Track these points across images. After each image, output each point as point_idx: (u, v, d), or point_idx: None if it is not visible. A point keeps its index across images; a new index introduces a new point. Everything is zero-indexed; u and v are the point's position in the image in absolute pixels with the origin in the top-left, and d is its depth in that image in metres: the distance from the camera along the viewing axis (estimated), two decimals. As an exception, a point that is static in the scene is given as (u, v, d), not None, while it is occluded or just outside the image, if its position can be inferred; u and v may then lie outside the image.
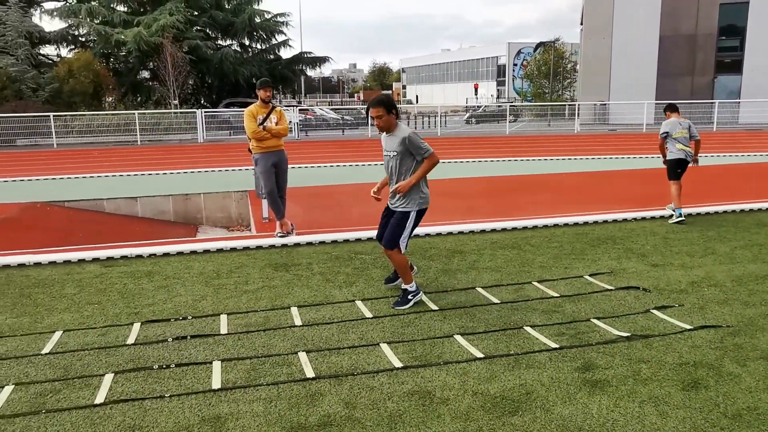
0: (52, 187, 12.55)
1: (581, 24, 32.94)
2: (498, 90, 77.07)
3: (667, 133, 8.19)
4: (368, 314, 4.82)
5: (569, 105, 31.86)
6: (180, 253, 6.83)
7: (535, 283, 5.54)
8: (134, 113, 23.53)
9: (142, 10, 33.38)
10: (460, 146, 20.03)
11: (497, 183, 12.15)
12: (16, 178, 13.80)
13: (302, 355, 4.05)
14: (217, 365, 3.92)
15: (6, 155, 19.30)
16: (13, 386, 3.69)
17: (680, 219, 8.00)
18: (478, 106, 40.65)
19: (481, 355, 4.01)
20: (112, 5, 32.34)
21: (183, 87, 27.84)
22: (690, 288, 5.37)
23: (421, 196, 4.95)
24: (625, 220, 8.18)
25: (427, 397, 3.46)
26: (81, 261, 6.57)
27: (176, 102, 27.47)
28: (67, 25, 32.28)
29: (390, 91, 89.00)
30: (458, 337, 4.31)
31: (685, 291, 5.29)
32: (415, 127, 30.20)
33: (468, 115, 35.63)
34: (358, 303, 5.08)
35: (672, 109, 8.44)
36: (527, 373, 3.75)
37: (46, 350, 4.23)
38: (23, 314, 4.97)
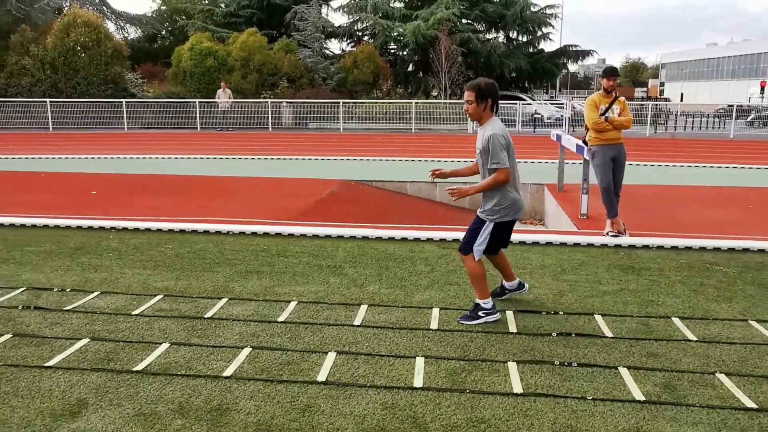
0: (346, 167, 13.56)
1: None
2: (782, 89, 65.92)
3: None
4: (776, 339, 4.11)
5: None
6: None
7: None
8: (411, 102, 24.74)
9: (419, 3, 34.98)
10: (759, 150, 17.36)
11: None
12: (311, 157, 15.17)
13: (722, 377, 3.53)
14: (624, 372, 3.59)
15: (301, 136, 21.63)
16: (424, 358, 3.78)
17: None
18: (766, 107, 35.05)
19: None
20: (391, 3, 34.52)
21: (453, 79, 28.55)
22: None
23: (501, 206, 4.30)
24: None
25: None
26: (417, 240, 6.82)
27: (436, 94, 28.21)
28: (352, 20, 35.22)
29: (645, 89, 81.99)
30: None
31: None
32: (683, 128, 27.00)
33: (752, 116, 30.83)
34: (753, 323, 4.38)
35: None
36: None
37: (433, 326, 4.31)
38: (392, 286, 5.19)
